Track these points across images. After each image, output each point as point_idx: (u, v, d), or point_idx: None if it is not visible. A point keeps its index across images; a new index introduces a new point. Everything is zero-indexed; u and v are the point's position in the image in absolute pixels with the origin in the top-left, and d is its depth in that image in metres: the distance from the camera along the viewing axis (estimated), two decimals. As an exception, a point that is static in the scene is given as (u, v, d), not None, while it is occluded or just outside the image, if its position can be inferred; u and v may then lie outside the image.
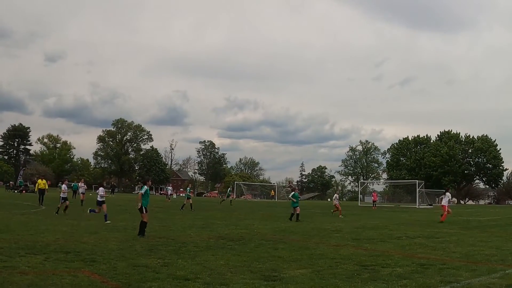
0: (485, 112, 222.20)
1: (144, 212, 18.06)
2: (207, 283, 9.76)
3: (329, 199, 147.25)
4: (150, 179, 21.53)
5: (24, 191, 79.45)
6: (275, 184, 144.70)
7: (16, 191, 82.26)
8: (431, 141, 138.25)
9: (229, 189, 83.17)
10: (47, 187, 37.05)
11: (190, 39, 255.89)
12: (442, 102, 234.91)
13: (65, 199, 31.48)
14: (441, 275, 11.28)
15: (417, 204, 73.93)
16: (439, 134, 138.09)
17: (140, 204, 17.98)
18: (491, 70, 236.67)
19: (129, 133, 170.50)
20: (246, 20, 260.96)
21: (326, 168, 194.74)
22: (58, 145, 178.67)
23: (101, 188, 28.09)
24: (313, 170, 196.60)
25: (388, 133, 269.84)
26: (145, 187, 18.67)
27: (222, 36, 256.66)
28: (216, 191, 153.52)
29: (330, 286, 9.87)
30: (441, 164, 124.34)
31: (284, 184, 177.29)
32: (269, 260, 13.03)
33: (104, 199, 26.56)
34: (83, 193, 40.98)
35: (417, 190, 74.61)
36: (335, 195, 44.83)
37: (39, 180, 38.36)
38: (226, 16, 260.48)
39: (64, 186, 33.70)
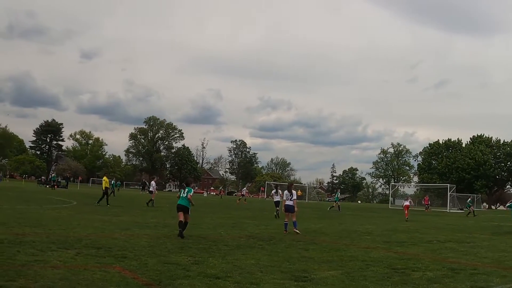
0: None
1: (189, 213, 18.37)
2: (238, 282, 9.70)
3: (359, 201, 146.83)
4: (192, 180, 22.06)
5: (56, 186, 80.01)
6: (306, 184, 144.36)
7: (48, 186, 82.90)
8: (462, 145, 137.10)
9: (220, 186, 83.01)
10: (107, 185, 36.83)
11: (225, 38, 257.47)
12: (475, 105, 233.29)
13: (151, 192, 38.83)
14: (472, 280, 11.10)
15: (448, 208, 73.28)
16: (471, 138, 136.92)
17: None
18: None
19: (161, 131, 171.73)
20: (282, 20, 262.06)
21: (357, 170, 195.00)
22: (90, 141, 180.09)
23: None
24: (344, 171, 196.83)
25: (420, 136, 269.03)
26: (191, 188, 18.94)
27: (257, 36, 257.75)
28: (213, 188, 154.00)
29: (360, 288, 9.79)
30: (474, 168, 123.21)
31: (315, 185, 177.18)
32: (299, 260, 12.94)
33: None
34: (151, 192, 40.41)
35: (449, 194, 73.97)
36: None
37: (104, 177, 38.41)
38: (262, 15, 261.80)
39: (153, 183, 40.67)
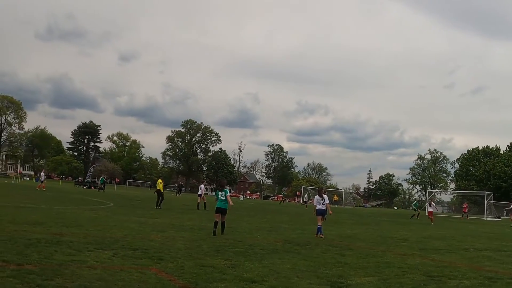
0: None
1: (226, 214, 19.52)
2: (274, 287, 9.66)
3: (395, 208, 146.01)
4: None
5: (92, 187, 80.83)
6: (342, 190, 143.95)
7: (84, 187, 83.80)
8: (501, 152, 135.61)
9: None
10: (161, 188, 37.15)
11: (262, 42, 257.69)
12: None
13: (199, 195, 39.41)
14: (509, 289, 10.99)
15: (485, 216, 72.48)
16: (510, 144, 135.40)
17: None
18: None
19: (198, 134, 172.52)
20: (319, 25, 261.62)
21: (394, 176, 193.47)
22: (128, 143, 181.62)
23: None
24: (381, 177, 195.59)
25: (458, 143, 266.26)
26: (227, 189, 20.00)
27: (295, 40, 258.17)
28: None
29: (397, 295, 9.69)
30: (511, 176, 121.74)
31: (351, 191, 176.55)
32: (335, 266, 12.85)
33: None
34: (199, 195, 40.46)
35: (485, 201, 73.18)
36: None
37: (159, 180, 38.78)
38: (299, 20, 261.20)
39: (202, 186, 41.81)
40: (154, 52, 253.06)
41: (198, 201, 38.73)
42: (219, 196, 19.46)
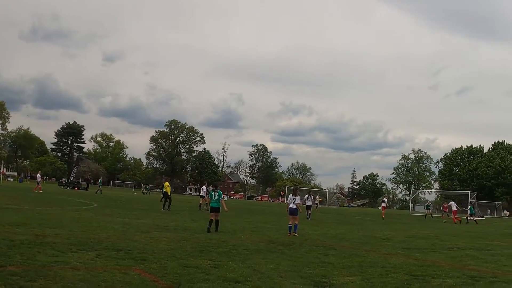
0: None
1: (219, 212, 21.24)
2: (257, 287, 9.71)
3: (379, 207, 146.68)
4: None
5: (76, 188, 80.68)
6: (326, 189, 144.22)
7: (68, 188, 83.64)
8: (485, 152, 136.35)
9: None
10: (169, 190, 37.28)
11: (248, 43, 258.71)
12: (498, 113, 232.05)
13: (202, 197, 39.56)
14: (492, 288, 11.06)
15: (468, 215, 72.65)
16: (493, 144, 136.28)
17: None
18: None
19: (182, 135, 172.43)
20: (305, 26, 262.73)
21: (377, 176, 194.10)
22: (111, 144, 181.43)
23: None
24: (365, 177, 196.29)
25: (442, 143, 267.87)
26: (221, 191, 22.13)
27: (280, 41, 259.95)
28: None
29: (380, 295, 9.74)
30: (494, 176, 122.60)
31: (335, 191, 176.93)
32: (319, 266, 12.90)
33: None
34: (202, 196, 40.52)
35: (469, 201, 73.24)
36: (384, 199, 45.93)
37: (166, 183, 38.79)
38: (285, 21, 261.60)
39: (203, 188, 41.24)
40: (139, 53, 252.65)
41: (200, 202, 39.26)
42: (213, 196, 21.44)
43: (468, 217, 50.19)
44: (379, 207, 57.94)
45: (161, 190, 42.30)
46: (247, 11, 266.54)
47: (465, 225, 45.01)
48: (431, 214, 62.90)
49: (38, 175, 62.50)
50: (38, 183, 58.05)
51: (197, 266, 11.55)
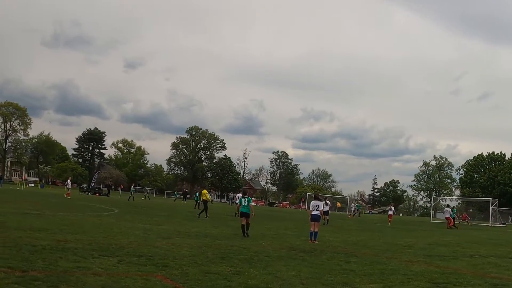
0: None
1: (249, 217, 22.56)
2: (278, 293, 9.64)
3: (400, 214, 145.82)
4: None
5: (97, 194, 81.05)
6: (347, 196, 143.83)
7: (89, 194, 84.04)
8: (506, 159, 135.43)
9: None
10: (208, 198, 37.84)
11: (269, 49, 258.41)
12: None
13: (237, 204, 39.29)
14: (514, 296, 10.97)
15: (490, 222, 72.26)
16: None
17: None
18: None
19: (203, 141, 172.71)
20: (325, 32, 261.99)
21: (398, 183, 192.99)
22: (132, 150, 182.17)
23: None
24: (386, 184, 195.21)
25: (463, 149, 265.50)
26: (250, 198, 23.81)
27: (300, 47, 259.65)
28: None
29: (403, 302, 9.67)
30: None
31: (356, 197, 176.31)
32: (340, 273, 12.81)
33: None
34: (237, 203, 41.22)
35: (491, 208, 72.87)
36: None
37: (204, 191, 39.20)
38: (306, 27, 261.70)
39: (239, 195, 40.83)
40: (160, 59, 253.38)
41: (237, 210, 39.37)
42: (243, 202, 22.82)
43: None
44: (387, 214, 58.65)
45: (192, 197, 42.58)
46: (266, 16, 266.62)
47: (487, 233, 44.71)
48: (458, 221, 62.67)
49: (69, 181, 63.31)
50: (68, 189, 58.85)
51: (219, 272, 11.52)
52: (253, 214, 23.47)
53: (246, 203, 22.66)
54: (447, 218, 50.17)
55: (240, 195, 41.80)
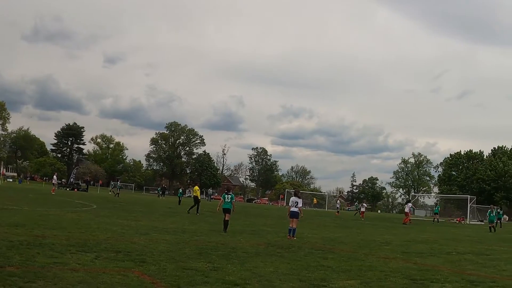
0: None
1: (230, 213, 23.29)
2: (256, 290, 9.67)
3: (379, 211, 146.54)
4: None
5: (76, 189, 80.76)
6: (326, 193, 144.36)
7: (67, 189, 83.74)
8: (484, 157, 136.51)
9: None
10: (198, 194, 37.88)
11: (250, 46, 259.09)
12: (498, 117, 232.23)
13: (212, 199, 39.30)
14: (491, 292, 11.07)
15: (468, 219, 72.77)
16: (493, 149, 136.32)
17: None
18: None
19: (182, 137, 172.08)
20: (306, 29, 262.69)
21: (377, 180, 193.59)
22: (111, 145, 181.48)
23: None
24: (364, 181, 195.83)
25: (442, 147, 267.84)
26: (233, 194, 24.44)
27: (281, 44, 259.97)
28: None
29: (379, 298, 9.74)
30: (494, 179, 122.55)
31: (335, 194, 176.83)
32: (318, 269, 12.90)
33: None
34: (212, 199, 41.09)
35: (469, 205, 73.36)
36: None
37: (196, 187, 39.37)
38: (287, 24, 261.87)
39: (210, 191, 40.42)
40: (140, 54, 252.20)
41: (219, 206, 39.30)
42: (225, 198, 23.35)
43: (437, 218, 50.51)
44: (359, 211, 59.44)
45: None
46: (249, 13, 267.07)
47: (465, 230, 45.06)
48: (438, 219, 63.10)
49: (55, 176, 63.25)
50: (54, 185, 58.88)
51: (196, 268, 11.55)
52: (234, 211, 24.03)
53: (229, 200, 23.27)
54: (406, 213, 50.73)
55: (210, 190, 42.52)
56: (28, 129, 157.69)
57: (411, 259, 16.98)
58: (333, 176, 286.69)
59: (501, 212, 62.72)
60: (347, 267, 13.62)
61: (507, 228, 56.50)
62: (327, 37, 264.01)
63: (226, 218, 22.69)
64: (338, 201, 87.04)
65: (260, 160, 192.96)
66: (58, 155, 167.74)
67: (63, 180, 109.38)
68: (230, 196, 23.43)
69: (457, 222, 69.51)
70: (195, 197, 37.56)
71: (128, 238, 16.75)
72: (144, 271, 10.75)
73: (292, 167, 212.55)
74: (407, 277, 12.55)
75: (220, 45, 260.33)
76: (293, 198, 22.58)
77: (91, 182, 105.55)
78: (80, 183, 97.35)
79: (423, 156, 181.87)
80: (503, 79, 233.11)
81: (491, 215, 46.05)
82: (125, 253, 12.96)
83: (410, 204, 53.77)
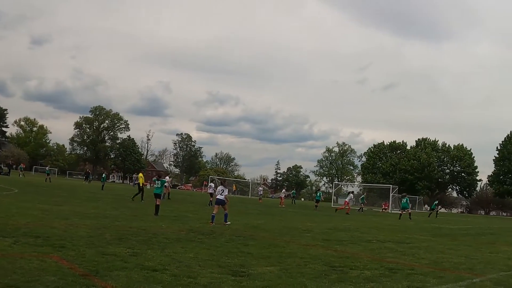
0: (464, 123, 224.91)
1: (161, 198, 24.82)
2: (175, 275, 9.73)
3: (302, 199, 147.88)
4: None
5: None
6: (249, 180, 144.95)
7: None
8: (408, 148, 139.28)
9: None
10: (142, 182, 37.83)
11: (178, 31, 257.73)
12: (422, 110, 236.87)
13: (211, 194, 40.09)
14: (409, 280, 11.31)
15: (390, 208, 74.04)
16: (417, 140, 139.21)
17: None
18: (474, 83, 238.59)
19: (107, 121, 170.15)
20: (235, 17, 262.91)
21: (301, 168, 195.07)
22: (35, 128, 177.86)
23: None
24: (289, 169, 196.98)
25: (366, 137, 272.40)
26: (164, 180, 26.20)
27: (210, 31, 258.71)
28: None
29: (297, 284, 9.87)
30: (418, 169, 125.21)
31: (259, 181, 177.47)
32: (238, 255, 13.02)
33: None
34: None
35: (391, 194, 74.62)
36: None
37: (140, 174, 39.50)
38: (215, 11, 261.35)
39: (211, 185, 44.07)
40: (68, 37, 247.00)
41: (211, 199, 39.24)
42: (156, 183, 25.34)
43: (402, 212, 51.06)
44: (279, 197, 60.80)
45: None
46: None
47: (387, 219, 45.96)
48: (362, 208, 63.96)
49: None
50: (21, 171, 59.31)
51: (116, 254, 11.55)
52: (165, 193, 25.32)
53: (159, 185, 25.15)
54: (345, 203, 51.76)
55: (212, 184, 43.37)
56: None
57: (332, 246, 17.22)
58: (257, 163, 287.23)
59: (435, 203, 65.37)
60: (267, 254, 13.77)
61: (428, 218, 57.76)
62: (255, 25, 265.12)
63: (157, 203, 23.94)
64: (260, 188, 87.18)
65: (184, 146, 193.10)
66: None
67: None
68: (160, 181, 25.30)
69: (383, 210, 70.76)
70: (139, 184, 37.48)
71: (48, 223, 16.59)
72: (63, 256, 10.69)
73: (216, 153, 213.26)
74: (326, 264, 12.75)
75: (148, 29, 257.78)
76: (220, 187, 23.31)
77: (14, 166, 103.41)
78: (2, 167, 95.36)
79: (347, 146, 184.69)
80: (427, 72, 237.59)
81: (403, 202, 48.75)
82: (44, 238, 12.86)
83: (351, 195, 54.94)
